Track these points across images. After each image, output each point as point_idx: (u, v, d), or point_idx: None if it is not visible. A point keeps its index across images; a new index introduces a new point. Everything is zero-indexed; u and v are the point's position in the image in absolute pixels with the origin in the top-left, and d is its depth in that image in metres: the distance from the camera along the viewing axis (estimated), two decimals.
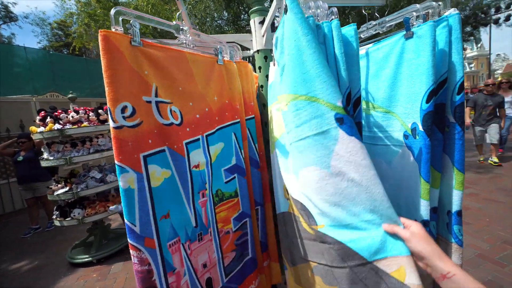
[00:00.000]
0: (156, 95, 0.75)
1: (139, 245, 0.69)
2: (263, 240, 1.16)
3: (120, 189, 0.67)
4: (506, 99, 5.44)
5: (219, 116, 0.97)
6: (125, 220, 0.68)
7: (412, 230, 0.63)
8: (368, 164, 0.67)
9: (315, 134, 0.71)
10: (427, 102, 0.80)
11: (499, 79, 5.73)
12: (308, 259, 0.82)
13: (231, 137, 1.03)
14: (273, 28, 1.32)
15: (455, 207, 0.89)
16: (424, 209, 0.83)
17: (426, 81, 0.79)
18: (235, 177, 1.04)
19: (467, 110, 5.51)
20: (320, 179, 0.71)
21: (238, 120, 1.05)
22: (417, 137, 0.87)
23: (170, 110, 0.79)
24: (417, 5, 0.86)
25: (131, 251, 0.70)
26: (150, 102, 0.73)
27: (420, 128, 0.83)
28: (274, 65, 1.07)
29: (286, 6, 0.72)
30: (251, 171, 1.10)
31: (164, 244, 0.76)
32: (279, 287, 1.28)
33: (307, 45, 0.68)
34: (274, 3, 0.99)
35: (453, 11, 0.81)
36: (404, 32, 0.85)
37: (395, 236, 0.65)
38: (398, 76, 0.89)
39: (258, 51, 1.25)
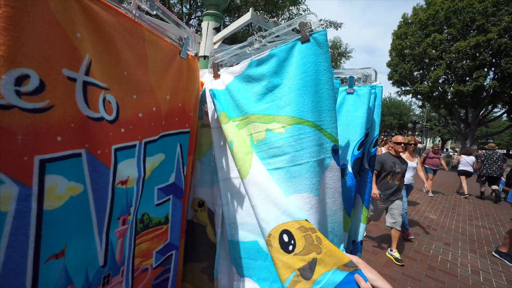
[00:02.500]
0: (87, 73, 0.50)
1: None
2: None
3: None
4: (411, 164, 4.36)
5: (167, 120, 0.76)
6: None
7: (358, 261, 0.68)
8: (340, 191, 0.78)
9: (314, 161, 0.74)
10: (358, 149, 1.00)
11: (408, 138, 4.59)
12: None
13: (175, 149, 0.82)
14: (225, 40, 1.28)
15: (360, 237, 1.11)
16: (345, 240, 1.01)
17: (360, 131, 0.98)
18: (169, 198, 0.82)
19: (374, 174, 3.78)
20: (311, 206, 0.73)
21: (189, 130, 0.86)
22: (345, 177, 1.06)
23: (103, 100, 0.55)
24: (358, 69, 1.07)
25: None
26: (74, 80, 0.48)
27: (350, 170, 1.03)
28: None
29: (306, 36, 0.72)
30: None
31: None
32: None
33: (326, 80, 0.73)
34: (246, 17, 0.96)
35: (378, 83, 1.05)
36: (347, 87, 1.04)
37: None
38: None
39: (204, 56, 1.11)
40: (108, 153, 0.56)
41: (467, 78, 15.54)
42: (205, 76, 0.94)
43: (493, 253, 3.89)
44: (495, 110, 17.66)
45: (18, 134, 0.41)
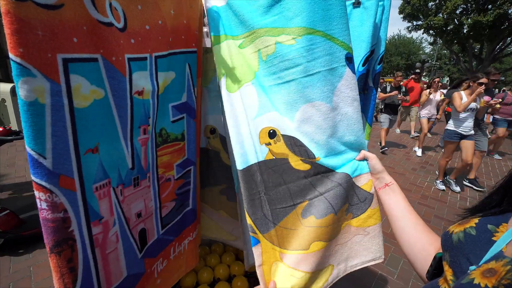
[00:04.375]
0: None
1: (50, 185, 0.49)
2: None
3: (19, 101, 0.43)
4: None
5: (173, 37, 0.76)
6: (28, 148, 0.46)
7: (371, 153, 0.81)
8: (358, 99, 0.78)
9: (326, 70, 0.74)
10: (363, 65, 0.97)
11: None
12: (298, 201, 0.81)
13: (184, 68, 0.84)
14: None
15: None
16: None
17: (365, 47, 0.94)
18: (183, 117, 0.88)
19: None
20: (323, 113, 0.76)
21: (196, 49, 0.86)
22: None
23: (110, 5, 0.55)
24: None
25: (36, 192, 0.49)
26: None
27: None
28: None
29: None
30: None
31: (88, 186, 0.57)
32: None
33: None
34: None
35: None
36: (353, 1, 0.97)
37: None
38: None
39: None
40: (122, 60, 0.58)
41: (489, 6, 13.99)
42: None
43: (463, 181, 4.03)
44: None
45: (37, 29, 0.43)
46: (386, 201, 0.72)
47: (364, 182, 0.81)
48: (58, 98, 0.48)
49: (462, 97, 3.51)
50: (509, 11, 13.16)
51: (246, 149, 0.82)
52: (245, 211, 0.82)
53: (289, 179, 0.81)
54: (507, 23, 13.90)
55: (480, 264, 0.34)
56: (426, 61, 18.32)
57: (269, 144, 0.82)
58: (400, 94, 5.25)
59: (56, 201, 0.51)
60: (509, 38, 15.29)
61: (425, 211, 3.27)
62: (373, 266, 2.24)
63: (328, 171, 0.81)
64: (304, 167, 0.80)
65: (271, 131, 0.81)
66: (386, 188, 0.73)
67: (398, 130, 7.57)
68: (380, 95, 5.34)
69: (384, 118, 5.50)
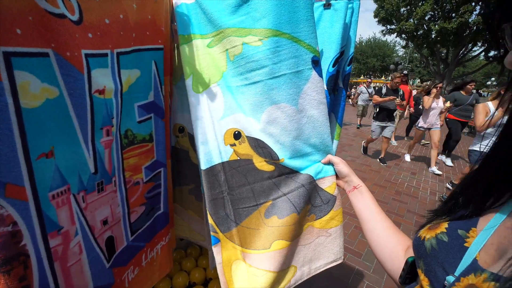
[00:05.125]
0: None
1: None
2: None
3: None
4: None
5: (137, 33, 0.72)
6: None
7: (338, 158, 0.83)
8: (325, 102, 0.79)
9: (292, 73, 0.74)
10: (333, 66, 0.98)
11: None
12: (261, 201, 0.82)
13: (150, 66, 0.80)
14: None
15: (333, 153, 1.20)
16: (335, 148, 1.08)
17: (335, 48, 0.96)
18: (151, 117, 0.84)
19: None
20: (288, 115, 0.77)
21: (162, 46, 0.82)
22: None
23: None
24: None
25: None
26: None
27: (325, 87, 1.00)
28: None
29: None
30: None
31: (43, 194, 0.52)
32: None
33: None
34: None
35: None
36: (323, 3, 0.98)
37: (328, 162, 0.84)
38: None
39: None
40: (78, 56, 0.54)
41: (453, 15, 15.15)
42: None
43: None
44: (475, 48, 17.83)
45: None
46: (355, 204, 0.73)
47: (328, 185, 0.83)
48: (1, 97, 0.43)
49: (490, 109, 2.78)
50: (470, 20, 14.41)
51: (211, 149, 0.83)
52: (207, 210, 0.82)
53: (253, 179, 0.82)
54: (468, 31, 15.19)
55: (457, 275, 0.33)
56: (399, 63, 19.38)
57: (234, 145, 0.83)
58: (398, 98, 4.53)
59: (2, 213, 0.46)
60: (470, 45, 16.69)
61: (399, 207, 3.43)
62: (350, 261, 2.32)
63: (292, 172, 0.82)
64: (268, 168, 0.81)
65: (236, 132, 0.82)
66: (354, 190, 0.75)
67: (394, 142, 6.53)
68: (375, 98, 4.68)
69: (375, 127, 4.83)
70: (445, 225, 0.41)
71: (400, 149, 6.25)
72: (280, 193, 0.81)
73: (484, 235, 0.34)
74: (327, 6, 0.98)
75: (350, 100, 13.76)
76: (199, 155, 0.83)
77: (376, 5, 18.32)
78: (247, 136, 0.81)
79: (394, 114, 4.84)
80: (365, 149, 5.58)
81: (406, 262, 0.46)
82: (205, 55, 0.84)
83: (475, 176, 0.41)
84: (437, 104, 4.56)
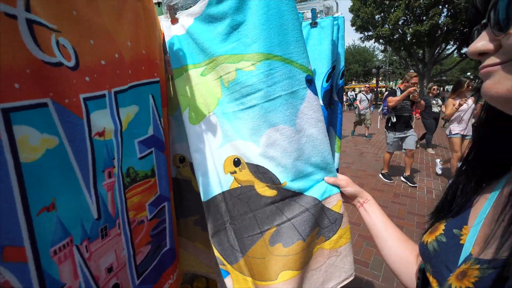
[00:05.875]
0: (28, 9, 0.44)
1: None
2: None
3: None
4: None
5: (133, 69, 0.71)
6: None
7: (344, 178, 0.82)
8: (323, 120, 0.79)
9: (287, 94, 0.74)
10: (326, 81, 1.01)
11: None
12: (265, 228, 0.79)
13: (148, 100, 0.79)
14: None
15: (335, 166, 1.18)
16: (336, 161, 1.12)
17: (326, 64, 0.98)
18: (151, 151, 0.81)
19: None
20: (287, 136, 0.76)
21: (158, 79, 0.81)
22: None
23: (57, 43, 0.49)
24: (319, 1, 1.03)
25: None
26: (14, 16, 0.42)
27: (321, 102, 1.03)
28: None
29: None
30: None
31: (44, 251, 0.48)
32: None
33: (290, 10, 0.71)
34: None
35: (340, 14, 1.04)
36: (310, 22, 1.01)
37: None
38: None
39: (159, 3, 0.98)
40: (76, 102, 0.52)
41: (424, 18, 16.07)
42: (162, 23, 0.87)
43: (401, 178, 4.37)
44: (448, 47, 18.82)
45: None
46: (365, 218, 0.73)
47: (334, 204, 0.81)
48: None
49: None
50: (439, 22, 15.42)
51: (210, 180, 0.82)
52: (211, 243, 0.80)
53: (255, 206, 0.80)
54: (440, 31, 16.15)
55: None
56: (380, 67, 20.14)
57: (234, 172, 0.81)
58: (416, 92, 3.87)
59: None
60: (443, 44, 17.67)
61: (399, 209, 3.44)
62: (358, 272, 2.27)
63: (295, 195, 0.79)
64: (271, 193, 0.79)
65: (236, 159, 0.80)
66: (364, 205, 0.76)
67: (431, 150, 5.93)
68: (391, 99, 3.93)
69: (392, 139, 4.11)
70: (443, 226, 0.44)
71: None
72: (284, 218, 0.79)
73: (474, 231, 0.38)
74: (314, 24, 1.01)
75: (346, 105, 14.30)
76: (199, 187, 0.82)
77: (352, 15, 19.24)
78: (246, 163, 0.80)
79: (412, 122, 4.09)
80: (387, 176, 4.49)
81: (420, 269, 0.48)
82: (199, 85, 0.84)
83: (462, 171, 0.45)
84: (467, 105, 3.76)
